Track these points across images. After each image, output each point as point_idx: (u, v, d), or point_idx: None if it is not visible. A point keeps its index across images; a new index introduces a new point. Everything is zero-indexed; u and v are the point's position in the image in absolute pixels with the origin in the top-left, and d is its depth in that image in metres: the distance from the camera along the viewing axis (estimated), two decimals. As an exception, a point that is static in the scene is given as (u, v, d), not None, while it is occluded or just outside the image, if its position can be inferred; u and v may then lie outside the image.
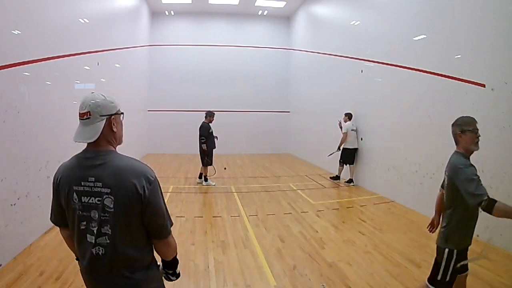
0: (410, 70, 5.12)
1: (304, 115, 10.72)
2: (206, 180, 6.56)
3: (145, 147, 10.85)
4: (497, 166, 3.61)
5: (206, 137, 6.41)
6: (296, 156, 11.19)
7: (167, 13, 11.30)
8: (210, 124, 6.56)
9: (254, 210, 5.01)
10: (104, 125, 1.24)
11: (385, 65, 5.84)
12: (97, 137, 1.22)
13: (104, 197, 1.20)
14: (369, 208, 5.11)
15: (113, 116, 1.28)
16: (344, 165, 6.91)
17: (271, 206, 5.25)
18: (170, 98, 11.51)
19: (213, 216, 4.64)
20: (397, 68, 5.47)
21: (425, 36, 4.85)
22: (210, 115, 6.64)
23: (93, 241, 1.22)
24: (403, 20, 5.36)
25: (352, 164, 6.80)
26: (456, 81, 4.18)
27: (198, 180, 6.73)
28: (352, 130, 6.75)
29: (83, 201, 1.22)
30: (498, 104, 3.62)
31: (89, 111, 1.22)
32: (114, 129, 1.29)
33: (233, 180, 6.37)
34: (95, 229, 1.22)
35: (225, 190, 6.27)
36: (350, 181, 6.80)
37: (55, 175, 1.31)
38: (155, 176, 1.27)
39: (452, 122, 2.36)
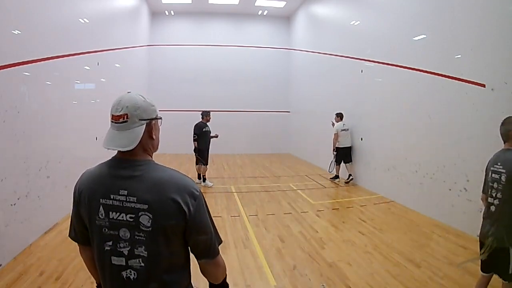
0: (410, 70, 5.12)
1: (304, 115, 10.72)
2: (204, 180, 6.56)
3: (145, 147, 10.84)
4: (497, 166, 3.61)
5: (198, 135, 6.43)
6: (296, 156, 11.19)
7: (167, 13, 11.30)
8: (206, 123, 6.56)
9: (254, 210, 5.01)
10: (143, 131, 1.08)
11: (385, 65, 5.84)
12: (135, 145, 1.04)
13: (140, 214, 1.03)
14: (369, 208, 5.11)
15: (153, 121, 1.12)
16: (341, 163, 6.99)
17: (271, 206, 5.25)
18: (170, 98, 11.49)
19: (213, 216, 4.63)
20: (397, 68, 5.47)
21: (425, 36, 4.85)
22: (206, 114, 6.64)
23: (124, 263, 1.05)
24: (403, 20, 5.36)
25: (350, 161, 6.87)
26: (456, 81, 4.18)
27: (197, 180, 6.72)
28: (343, 130, 6.87)
29: (111, 217, 1.05)
30: (498, 104, 3.61)
31: (126, 114, 1.05)
32: (153, 136, 1.13)
33: (233, 180, 6.38)
34: (125, 250, 1.05)
35: (225, 190, 6.28)
36: (349, 177, 6.87)
37: (76, 184, 1.13)
38: (200, 190, 1.12)
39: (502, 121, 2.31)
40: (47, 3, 3.98)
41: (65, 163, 4.40)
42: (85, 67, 5.29)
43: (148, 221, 1.03)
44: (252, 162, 9.77)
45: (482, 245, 2.19)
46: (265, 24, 12.10)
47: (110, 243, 1.06)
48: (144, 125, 1.09)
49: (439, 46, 4.52)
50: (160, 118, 1.17)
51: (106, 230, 1.06)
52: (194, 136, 6.50)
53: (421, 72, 4.85)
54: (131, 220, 1.04)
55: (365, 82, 6.61)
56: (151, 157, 1.15)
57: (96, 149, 5.69)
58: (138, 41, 9.45)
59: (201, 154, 6.49)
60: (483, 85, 3.80)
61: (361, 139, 6.72)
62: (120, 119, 1.06)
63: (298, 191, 6.29)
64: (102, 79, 6.16)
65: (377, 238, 3.89)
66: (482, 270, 2.24)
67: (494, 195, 2.11)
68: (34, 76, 3.62)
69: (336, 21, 8.25)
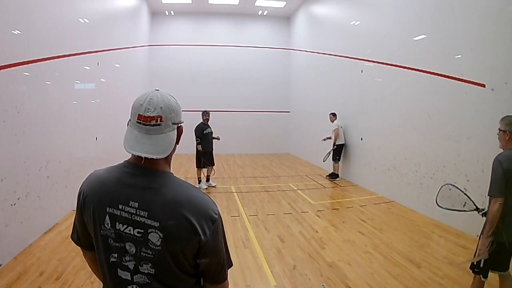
0: (410, 70, 5.12)
1: (304, 115, 10.72)
2: (208, 180, 6.51)
3: (145, 147, 10.84)
4: (497, 166, 3.61)
5: (200, 138, 6.30)
6: (296, 156, 11.19)
7: (167, 13, 11.30)
8: (206, 124, 6.43)
9: (254, 210, 5.01)
10: (176, 137, 0.97)
11: (385, 65, 5.84)
12: (169, 152, 0.94)
13: (149, 231, 0.92)
14: (369, 208, 5.11)
15: (182, 125, 1.02)
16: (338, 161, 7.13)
17: (271, 206, 5.25)
18: (170, 98, 11.50)
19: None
20: (397, 68, 5.47)
21: (425, 36, 4.85)
22: (204, 114, 6.53)
23: (129, 278, 0.97)
24: (403, 20, 5.36)
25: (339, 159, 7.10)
26: (456, 81, 4.18)
27: (197, 185, 6.42)
28: (341, 127, 7.10)
29: (117, 228, 0.95)
30: (498, 104, 3.61)
31: (161, 116, 0.92)
32: (178, 143, 1.02)
33: (233, 180, 6.37)
34: (130, 265, 0.96)
35: (225, 190, 6.27)
36: (336, 176, 7.09)
37: (82, 186, 1.02)
38: (219, 212, 1.02)
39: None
40: (47, 3, 3.98)
41: (65, 163, 4.40)
42: (85, 67, 5.28)
43: (158, 240, 0.92)
44: (252, 162, 9.77)
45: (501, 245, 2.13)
46: (265, 24, 12.10)
47: (116, 255, 0.97)
48: (176, 130, 0.98)
49: (439, 46, 4.52)
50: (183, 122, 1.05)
51: (112, 241, 0.97)
52: (196, 140, 6.32)
53: (421, 72, 4.85)
54: (139, 235, 0.94)
55: (365, 82, 6.61)
56: (170, 168, 1.03)
57: (96, 149, 5.71)
58: (138, 41, 9.45)
59: (207, 157, 6.34)
60: (483, 85, 3.80)
61: (361, 139, 6.72)
62: (152, 121, 0.92)
63: (298, 191, 6.29)
64: (102, 79, 6.16)
65: (377, 238, 3.89)
66: (486, 275, 2.21)
67: None
68: (34, 76, 3.62)
69: (336, 21, 8.25)
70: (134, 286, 0.97)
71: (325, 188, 6.55)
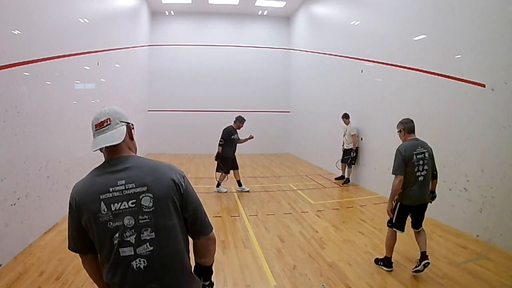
0: (410, 70, 5.12)
1: (304, 115, 10.72)
2: (218, 185, 6.15)
3: (145, 147, 10.85)
4: (497, 166, 3.61)
5: (225, 140, 5.91)
6: (296, 156, 11.19)
7: (167, 13, 11.30)
8: (236, 130, 6.07)
9: (254, 210, 5.01)
10: (126, 130, 1.23)
11: (385, 65, 5.83)
12: (122, 138, 1.18)
13: (141, 197, 1.13)
14: (369, 208, 5.11)
15: (131, 124, 1.28)
16: (345, 164, 6.90)
17: (271, 206, 5.25)
18: (170, 98, 11.50)
19: (213, 216, 4.63)
20: (397, 68, 5.47)
21: (425, 36, 4.85)
22: (240, 120, 6.08)
23: (132, 253, 1.10)
24: (403, 20, 5.36)
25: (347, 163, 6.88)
26: (456, 81, 4.18)
27: (215, 189, 6.19)
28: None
29: (113, 209, 1.11)
30: (498, 104, 3.61)
31: (108, 118, 1.20)
32: (133, 137, 1.30)
33: (233, 180, 6.37)
34: (132, 238, 1.11)
35: (225, 190, 6.27)
36: (343, 178, 6.91)
37: (70, 196, 1.17)
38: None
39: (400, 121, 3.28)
40: (47, 3, 3.98)
41: (65, 163, 4.40)
42: (85, 67, 5.29)
43: (150, 201, 1.13)
44: (252, 162, 9.77)
45: (419, 207, 3.02)
46: (265, 24, 12.10)
47: (117, 235, 1.11)
48: (125, 126, 1.24)
49: (439, 46, 4.52)
50: (133, 125, 1.31)
51: (111, 223, 1.11)
52: (220, 141, 5.92)
53: (421, 72, 4.85)
54: (133, 206, 1.12)
55: (365, 82, 6.61)
56: (136, 154, 1.28)
57: (96, 149, 5.70)
58: (138, 41, 9.45)
59: (223, 162, 5.96)
60: (483, 85, 3.80)
61: (361, 139, 6.72)
62: (104, 124, 1.20)
63: (298, 191, 6.29)
64: (102, 79, 6.16)
65: (377, 238, 3.89)
66: (401, 228, 3.01)
67: (421, 169, 2.95)
68: (34, 76, 3.62)
69: (336, 21, 8.25)
70: (138, 260, 1.11)
71: (325, 188, 6.55)
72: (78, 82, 5.03)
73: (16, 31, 3.28)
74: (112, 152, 1.20)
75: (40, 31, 3.76)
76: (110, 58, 6.58)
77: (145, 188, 1.13)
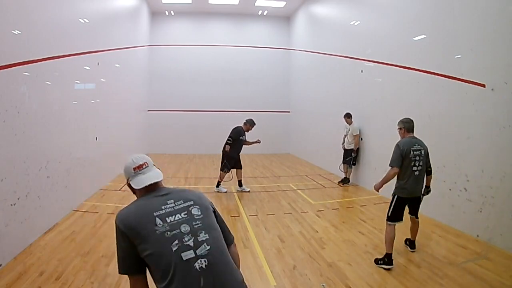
0: (410, 70, 5.12)
1: (304, 115, 10.72)
2: (218, 185, 6.16)
3: (145, 147, 10.85)
4: (497, 166, 3.61)
5: (235, 140, 5.94)
6: (296, 156, 11.19)
7: (167, 13, 11.30)
8: (245, 132, 6.11)
9: (254, 210, 5.01)
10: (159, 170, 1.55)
11: (385, 65, 5.84)
12: (162, 176, 1.52)
13: (190, 208, 1.39)
14: (369, 208, 5.11)
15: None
16: (346, 165, 6.86)
17: (271, 206, 5.25)
18: (170, 98, 11.51)
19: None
20: (397, 68, 5.47)
21: (425, 36, 4.85)
22: (250, 123, 6.13)
23: (193, 255, 1.27)
24: (403, 20, 5.36)
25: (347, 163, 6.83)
26: (456, 81, 4.18)
27: (215, 189, 6.18)
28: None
29: (168, 221, 1.32)
30: (498, 104, 3.61)
31: (145, 162, 1.51)
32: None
33: (233, 180, 6.36)
34: (190, 242, 1.29)
35: (225, 190, 6.26)
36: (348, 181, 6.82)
37: (117, 224, 1.33)
38: None
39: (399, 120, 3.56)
40: (47, 3, 3.98)
41: (65, 163, 4.40)
42: (85, 67, 5.29)
43: (198, 211, 1.40)
44: (252, 162, 9.76)
45: (414, 200, 3.40)
46: (265, 24, 12.09)
47: (176, 241, 1.28)
48: (158, 169, 1.56)
49: (439, 46, 4.52)
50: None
51: (168, 233, 1.29)
52: (229, 140, 5.94)
53: (421, 72, 4.85)
54: (186, 216, 1.36)
55: (365, 82, 6.61)
56: None
57: (96, 149, 5.71)
58: (138, 41, 9.45)
59: (229, 161, 6.00)
60: (483, 85, 3.80)
61: (361, 139, 6.72)
62: (143, 166, 1.50)
63: (298, 191, 6.29)
64: (102, 79, 6.16)
65: (377, 238, 3.88)
66: (400, 218, 3.28)
67: (417, 164, 3.23)
68: (34, 76, 3.62)
69: (336, 21, 8.25)
70: (199, 261, 1.26)
71: (325, 188, 6.55)
72: (78, 82, 5.03)
73: (16, 31, 3.28)
74: (152, 186, 1.47)
75: (40, 31, 3.76)
76: (110, 58, 6.58)
77: (192, 202, 1.42)
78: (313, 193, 6.11)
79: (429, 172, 3.44)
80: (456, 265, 3.15)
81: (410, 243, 3.56)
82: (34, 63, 3.61)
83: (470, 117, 3.99)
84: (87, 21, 5.22)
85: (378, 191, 3.41)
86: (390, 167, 3.27)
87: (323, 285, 2.82)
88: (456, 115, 4.24)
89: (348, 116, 6.77)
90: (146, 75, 10.84)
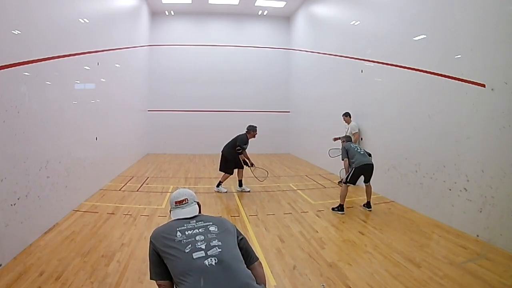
0: (410, 70, 5.12)
1: (304, 115, 10.72)
2: (218, 185, 6.17)
3: (145, 147, 10.86)
4: (497, 166, 3.61)
5: (242, 149, 6.01)
6: (296, 156, 11.19)
7: (167, 13, 11.30)
8: (251, 138, 6.16)
9: (254, 210, 5.01)
10: (198, 208, 1.82)
11: (385, 65, 5.84)
12: (196, 213, 1.77)
13: (208, 226, 1.62)
14: (369, 208, 5.10)
15: (199, 203, 1.87)
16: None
17: (271, 206, 5.25)
18: (170, 98, 11.51)
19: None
20: (397, 68, 5.47)
21: (425, 36, 4.85)
22: (254, 130, 6.18)
23: (204, 254, 1.47)
24: (403, 20, 5.36)
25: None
26: (456, 81, 4.18)
27: (215, 188, 6.23)
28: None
29: (187, 233, 1.57)
30: (498, 104, 3.61)
31: (186, 198, 1.79)
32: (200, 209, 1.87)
33: (233, 180, 6.36)
34: (202, 245, 1.51)
35: (225, 190, 6.26)
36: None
37: (151, 238, 1.62)
38: None
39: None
40: (47, 3, 3.98)
41: (65, 163, 4.40)
42: (85, 67, 5.29)
43: (215, 228, 1.63)
44: (252, 162, 9.75)
45: (365, 167, 4.88)
46: (265, 24, 12.10)
47: (190, 245, 1.51)
48: (197, 204, 1.83)
49: (439, 46, 4.52)
50: (200, 203, 1.88)
51: (184, 241, 1.53)
52: (238, 149, 5.97)
53: (421, 72, 4.85)
54: (203, 230, 1.60)
55: (365, 82, 6.61)
56: None
57: (96, 149, 5.71)
58: (138, 41, 9.45)
59: (228, 163, 6.09)
60: (483, 85, 3.80)
61: (361, 139, 6.71)
62: (183, 202, 1.78)
63: (298, 191, 6.29)
64: (102, 79, 6.16)
65: (377, 238, 3.89)
66: (353, 182, 4.94)
67: (359, 149, 5.05)
68: (34, 76, 3.62)
69: (336, 21, 8.25)
70: (209, 259, 1.45)
71: (325, 188, 6.55)
72: (78, 82, 5.03)
73: (16, 31, 3.28)
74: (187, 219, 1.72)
75: (40, 31, 3.76)
76: (110, 58, 6.58)
77: (211, 223, 1.66)
78: (313, 193, 6.11)
79: (369, 154, 5.16)
80: (456, 265, 3.15)
81: (368, 204, 4.98)
82: (34, 63, 3.61)
83: (470, 117, 3.99)
84: (87, 21, 5.22)
85: (347, 174, 4.95)
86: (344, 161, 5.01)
87: (323, 285, 2.82)
88: (456, 115, 4.24)
89: (347, 115, 6.79)
90: (146, 75, 10.84)
